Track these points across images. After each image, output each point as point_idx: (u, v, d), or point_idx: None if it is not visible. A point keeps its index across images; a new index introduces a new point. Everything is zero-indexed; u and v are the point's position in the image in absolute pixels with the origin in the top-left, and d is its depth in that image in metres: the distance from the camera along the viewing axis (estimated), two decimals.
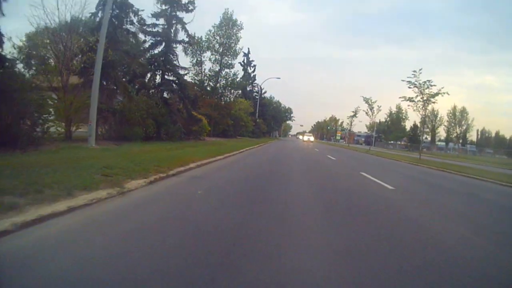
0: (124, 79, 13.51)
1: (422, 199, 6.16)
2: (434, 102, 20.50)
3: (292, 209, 4.18)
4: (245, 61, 43.77)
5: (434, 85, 19.92)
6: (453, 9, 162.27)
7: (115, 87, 11.81)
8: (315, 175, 8.43)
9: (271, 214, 3.79)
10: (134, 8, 13.59)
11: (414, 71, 20.31)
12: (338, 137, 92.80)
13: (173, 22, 17.35)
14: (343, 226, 3.54)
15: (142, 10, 14.13)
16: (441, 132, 66.47)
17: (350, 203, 4.93)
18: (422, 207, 5.24)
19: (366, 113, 33.75)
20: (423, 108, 20.52)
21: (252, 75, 44.80)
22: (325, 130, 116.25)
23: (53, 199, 3.39)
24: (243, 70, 43.25)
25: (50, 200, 3.36)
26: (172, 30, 17.25)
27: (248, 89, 43.31)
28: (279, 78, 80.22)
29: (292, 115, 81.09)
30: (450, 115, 60.54)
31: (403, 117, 67.88)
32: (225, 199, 4.48)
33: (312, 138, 63.96)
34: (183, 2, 17.25)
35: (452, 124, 60.31)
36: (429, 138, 67.24)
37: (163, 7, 17.38)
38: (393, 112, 70.75)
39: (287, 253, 2.53)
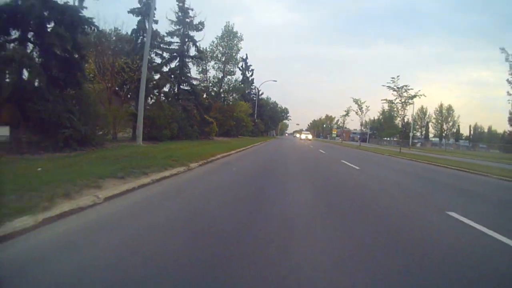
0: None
1: (373, 174, 9.34)
2: (411, 103, 23.81)
3: (291, 174, 7.36)
4: (244, 66, 46.83)
5: (412, 89, 23.25)
6: (447, 7, 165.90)
7: (149, 99, 14.95)
8: (307, 161, 11.60)
9: (282, 175, 6.96)
10: (158, 33, 16.69)
11: (393, 78, 23.62)
12: (334, 135, 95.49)
13: (186, 40, 20.45)
14: (319, 184, 6.72)
15: (163, 35, 17.21)
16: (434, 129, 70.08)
17: (326, 174, 8.10)
18: (371, 178, 8.41)
19: (356, 112, 37.21)
20: (402, 109, 23.84)
21: (250, 79, 47.90)
22: (321, 128, 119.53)
23: (159, 171, 6.46)
24: (241, 74, 46.34)
25: (157, 172, 6.44)
26: (185, 47, 20.36)
27: (246, 91, 46.40)
28: (276, 81, 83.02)
29: (288, 114, 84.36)
30: (437, 112, 64.17)
31: (395, 115, 71.38)
32: (249, 173, 7.63)
33: (310, 137, 60.56)
34: (194, 23, 20.37)
35: (439, 121, 63.89)
36: (418, 134, 70.80)
37: (177, 27, 20.48)
38: (385, 110, 74.25)
39: (288, 190, 5.70)
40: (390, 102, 24.18)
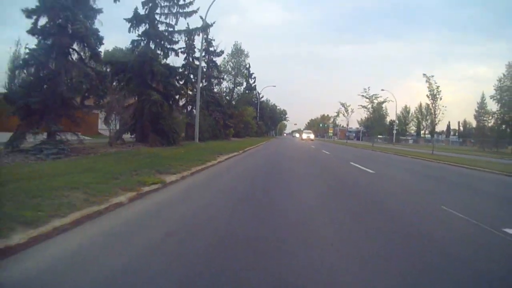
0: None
1: (339, 156, 16.29)
2: (382, 107, 30.95)
3: (296, 157, 14.37)
4: (247, 74, 53.81)
5: (380, 97, 30.41)
6: (444, 2, 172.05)
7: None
8: (303, 152, 18.57)
9: (291, 158, 13.98)
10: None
11: (365, 88, 30.75)
12: (330, 134, 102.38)
13: (211, 64, 27.39)
14: (306, 163, 13.73)
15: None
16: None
17: (310, 157, 15.11)
18: (335, 158, 15.38)
19: (343, 114, 44.38)
20: (373, 112, 31.00)
21: (253, 85, 54.87)
22: (317, 127, 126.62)
23: (227, 154, 13.36)
24: (245, 81, 53.28)
25: (227, 153, 13.36)
26: (210, 70, 27.29)
27: (251, 98, 53.35)
28: (275, 86, 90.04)
29: (286, 116, 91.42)
30: (417, 111, 71.49)
31: (384, 114, 78.55)
32: (269, 158, 14.62)
33: (312, 136, 54.92)
34: (217, 51, 27.35)
35: (420, 119, 71.22)
36: (412, 132, 78.08)
37: (203, 54, 27.38)
38: (375, 110, 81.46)
39: (295, 167, 12.69)
40: (364, 106, 31.48)
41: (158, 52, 15.15)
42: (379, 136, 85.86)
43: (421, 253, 2.83)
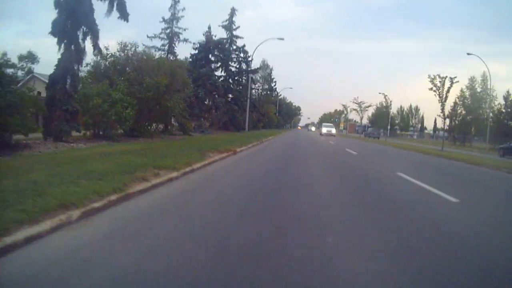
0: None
1: (343, 143, 28.96)
2: (367, 111, 43.22)
3: (306, 143, 27.32)
4: (269, 79, 66.36)
5: (366, 103, 42.58)
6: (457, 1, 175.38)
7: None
8: (311, 140, 31.29)
9: (303, 142, 26.95)
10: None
11: (355, 97, 43.01)
12: (341, 128, 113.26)
13: (249, 80, 40.36)
14: (312, 148, 26.66)
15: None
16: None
17: (313, 143, 27.98)
18: (336, 144, 28.10)
19: (356, 110, 56.70)
20: (361, 114, 43.37)
21: (274, 87, 67.48)
22: (330, 121, 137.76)
23: (269, 137, 26.28)
24: (266, 84, 65.90)
25: (267, 138, 26.31)
26: (248, 83, 40.27)
27: (272, 98, 66.05)
28: (291, 88, 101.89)
29: (300, 111, 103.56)
30: (406, 110, 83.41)
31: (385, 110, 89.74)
32: (289, 142, 27.58)
33: (333, 130, 43.82)
34: (255, 68, 40.27)
35: (410, 116, 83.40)
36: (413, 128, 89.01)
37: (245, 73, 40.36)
38: (379, 106, 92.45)
39: (306, 148, 25.60)
40: (355, 109, 43.88)
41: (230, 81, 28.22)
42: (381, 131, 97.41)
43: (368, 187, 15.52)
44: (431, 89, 23.18)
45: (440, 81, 22.60)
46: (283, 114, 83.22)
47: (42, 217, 2.78)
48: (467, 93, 44.48)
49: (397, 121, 75.24)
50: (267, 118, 50.34)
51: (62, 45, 9.19)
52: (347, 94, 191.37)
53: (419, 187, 6.45)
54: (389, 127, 68.15)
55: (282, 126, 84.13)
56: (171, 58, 23.54)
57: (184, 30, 27.14)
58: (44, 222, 2.74)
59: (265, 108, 51.91)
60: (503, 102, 37.65)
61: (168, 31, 27.05)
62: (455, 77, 22.09)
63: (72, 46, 9.33)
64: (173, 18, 26.90)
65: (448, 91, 22.87)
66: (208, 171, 6.88)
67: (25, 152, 6.95)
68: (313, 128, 78.13)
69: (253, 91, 48.73)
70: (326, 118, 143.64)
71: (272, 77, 66.73)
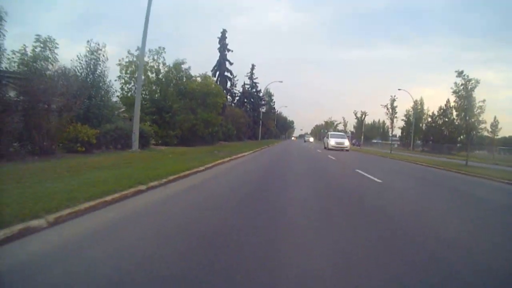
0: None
1: (327, 151, 46.95)
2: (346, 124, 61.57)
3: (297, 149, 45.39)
4: (269, 98, 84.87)
5: (336, 121, 60.77)
6: (451, 7, 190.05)
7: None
8: (300, 147, 49.25)
9: (296, 144, 45.05)
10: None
11: (343, 118, 61.33)
12: None
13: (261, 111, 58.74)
14: (301, 151, 44.78)
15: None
16: None
17: (301, 149, 46.08)
18: (315, 148, 46.10)
19: (342, 123, 74.99)
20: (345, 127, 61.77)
21: (273, 106, 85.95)
22: (319, 132, 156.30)
23: (274, 143, 44.11)
24: (266, 102, 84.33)
25: (273, 144, 44.25)
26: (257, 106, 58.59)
27: (271, 113, 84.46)
28: (287, 107, 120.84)
29: (293, 124, 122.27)
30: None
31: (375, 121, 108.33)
32: (287, 148, 45.65)
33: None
34: (264, 102, 58.76)
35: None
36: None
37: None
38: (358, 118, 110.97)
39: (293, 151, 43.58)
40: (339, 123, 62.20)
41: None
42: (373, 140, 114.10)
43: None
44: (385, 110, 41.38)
45: (389, 105, 36.30)
46: (280, 127, 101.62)
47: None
48: (411, 112, 63.36)
49: (381, 131, 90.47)
50: (269, 131, 68.58)
51: None
52: (339, 105, 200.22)
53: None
54: (362, 136, 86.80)
55: (279, 137, 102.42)
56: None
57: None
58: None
59: (268, 123, 70.16)
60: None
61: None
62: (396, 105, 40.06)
63: None
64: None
65: (395, 111, 36.46)
66: (268, 149, 24.54)
67: None
68: (311, 139, 69.16)
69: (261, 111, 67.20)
70: (318, 129, 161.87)
71: (272, 97, 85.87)
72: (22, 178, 5.09)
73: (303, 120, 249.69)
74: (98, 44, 13.31)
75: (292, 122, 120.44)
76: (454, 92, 18.93)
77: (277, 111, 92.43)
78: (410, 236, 3.68)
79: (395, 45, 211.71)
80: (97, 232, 3.21)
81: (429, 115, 58.32)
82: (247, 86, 52.29)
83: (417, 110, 63.89)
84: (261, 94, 57.67)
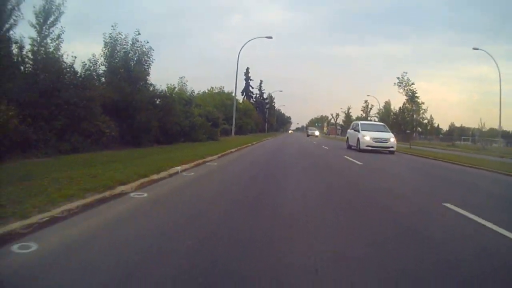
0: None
1: (322, 142, 64.69)
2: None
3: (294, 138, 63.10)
4: (269, 102, 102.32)
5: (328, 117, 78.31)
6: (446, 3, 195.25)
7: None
8: (299, 140, 66.91)
9: (293, 138, 62.86)
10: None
11: (331, 114, 78.75)
12: (325, 131, 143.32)
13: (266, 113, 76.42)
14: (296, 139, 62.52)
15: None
16: None
17: (298, 141, 63.93)
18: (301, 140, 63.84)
19: (333, 119, 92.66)
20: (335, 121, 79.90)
21: (273, 105, 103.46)
22: (313, 125, 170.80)
23: (277, 135, 61.53)
24: (267, 103, 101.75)
25: (276, 135, 61.79)
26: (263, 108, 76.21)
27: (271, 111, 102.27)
28: (284, 106, 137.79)
29: (290, 120, 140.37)
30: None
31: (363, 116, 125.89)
32: (286, 140, 63.39)
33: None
34: (267, 100, 76.41)
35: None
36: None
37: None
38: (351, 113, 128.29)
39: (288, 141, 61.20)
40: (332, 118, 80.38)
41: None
42: None
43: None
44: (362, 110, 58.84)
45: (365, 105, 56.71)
46: (279, 122, 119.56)
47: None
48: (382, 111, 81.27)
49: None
50: (272, 126, 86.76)
51: None
52: (334, 98, 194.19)
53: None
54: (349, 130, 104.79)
55: (278, 130, 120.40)
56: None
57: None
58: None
59: (271, 120, 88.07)
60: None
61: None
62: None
63: None
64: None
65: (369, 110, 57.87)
66: (276, 138, 42.07)
67: None
68: (316, 133, 67.52)
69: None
70: (312, 123, 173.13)
71: (273, 99, 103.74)
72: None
73: (299, 116, 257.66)
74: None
75: (289, 118, 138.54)
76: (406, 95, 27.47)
77: (277, 109, 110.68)
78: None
79: (391, 40, 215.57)
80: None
81: (393, 113, 76.26)
82: (256, 94, 70.44)
83: (387, 109, 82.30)
84: (264, 96, 75.90)
